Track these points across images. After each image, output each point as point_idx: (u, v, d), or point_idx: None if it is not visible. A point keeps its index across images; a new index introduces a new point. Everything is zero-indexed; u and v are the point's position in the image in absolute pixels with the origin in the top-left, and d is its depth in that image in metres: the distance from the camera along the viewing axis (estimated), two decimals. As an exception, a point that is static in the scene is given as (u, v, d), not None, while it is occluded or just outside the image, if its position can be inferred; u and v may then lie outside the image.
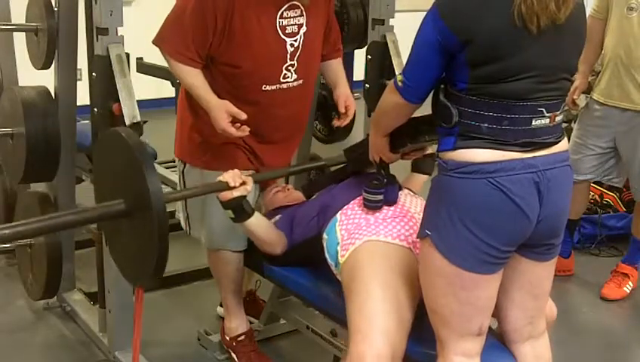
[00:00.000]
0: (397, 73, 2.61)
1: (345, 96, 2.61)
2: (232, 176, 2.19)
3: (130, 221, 2.05)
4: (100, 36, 2.36)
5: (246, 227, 2.30)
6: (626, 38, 3.12)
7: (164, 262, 2.00)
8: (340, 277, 2.13)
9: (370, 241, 2.08)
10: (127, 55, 2.40)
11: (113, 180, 2.14)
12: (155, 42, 2.41)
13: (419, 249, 2.04)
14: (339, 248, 2.14)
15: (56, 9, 2.82)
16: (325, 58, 2.67)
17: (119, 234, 2.17)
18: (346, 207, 2.23)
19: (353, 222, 2.17)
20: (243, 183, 2.20)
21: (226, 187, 2.18)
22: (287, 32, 2.41)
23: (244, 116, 2.34)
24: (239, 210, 2.23)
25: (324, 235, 2.24)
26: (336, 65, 2.72)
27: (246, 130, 2.36)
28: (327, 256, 2.21)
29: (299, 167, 2.55)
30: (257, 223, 2.31)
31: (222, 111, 2.34)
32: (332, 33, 2.67)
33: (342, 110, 2.60)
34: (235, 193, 2.19)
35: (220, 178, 2.21)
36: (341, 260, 2.11)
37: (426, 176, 2.52)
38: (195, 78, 2.38)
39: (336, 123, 2.66)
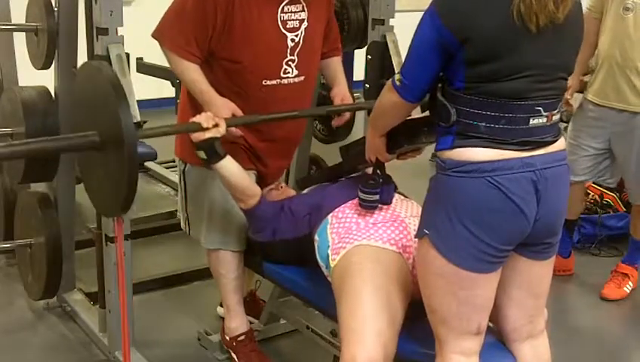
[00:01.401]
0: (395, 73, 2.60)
1: (341, 96, 2.61)
2: (205, 118, 2.22)
3: (103, 153, 2.10)
4: (99, 36, 2.36)
5: (219, 171, 2.30)
6: (621, 38, 3.09)
7: (132, 194, 2.07)
8: (330, 279, 2.14)
9: (361, 245, 2.09)
10: (127, 55, 2.40)
11: (89, 112, 2.18)
12: (154, 36, 2.41)
13: (409, 253, 2.07)
14: (329, 251, 2.15)
15: (56, 9, 2.82)
16: (325, 56, 2.67)
17: (93, 166, 2.23)
18: (337, 209, 2.24)
19: (344, 226, 2.18)
20: (216, 125, 2.22)
21: (199, 128, 2.21)
22: (288, 26, 2.42)
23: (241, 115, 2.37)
24: (211, 151, 2.24)
25: (316, 236, 2.25)
26: (336, 63, 2.72)
27: (240, 133, 2.40)
28: (318, 257, 2.23)
29: (275, 115, 2.50)
30: (229, 167, 2.30)
31: (227, 110, 2.35)
32: (332, 31, 2.67)
33: None
34: (208, 134, 2.21)
35: (194, 119, 2.23)
36: (332, 263, 2.12)
37: None
38: (195, 73, 2.39)
39: (334, 123, 2.66)
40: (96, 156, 2.15)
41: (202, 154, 2.26)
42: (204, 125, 2.20)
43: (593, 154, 3.31)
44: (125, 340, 2.37)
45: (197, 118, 2.23)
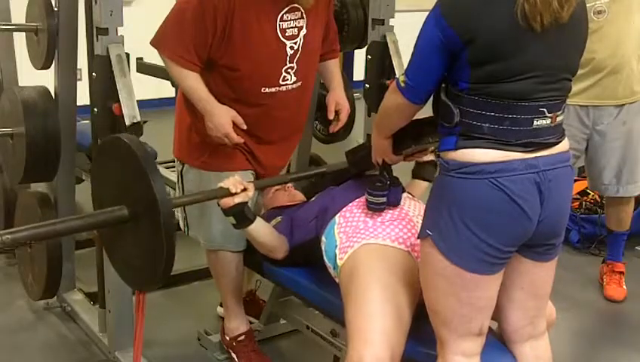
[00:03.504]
0: (397, 73, 2.60)
1: (335, 101, 2.60)
2: (233, 183, 2.18)
3: (133, 227, 2.05)
4: (99, 36, 2.36)
5: (249, 233, 2.30)
6: (605, 40, 3.05)
7: (170, 266, 2.01)
8: (338, 280, 2.13)
9: (369, 244, 2.08)
10: (127, 55, 2.40)
11: (113, 186, 2.14)
12: (153, 44, 2.40)
13: (417, 252, 2.05)
14: (337, 251, 2.14)
15: (56, 9, 2.82)
16: (322, 59, 2.66)
17: (120, 240, 2.16)
18: (344, 209, 2.23)
19: (351, 225, 2.17)
20: (244, 189, 2.19)
21: (228, 193, 2.17)
22: (287, 34, 2.41)
23: (244, 126, 2.39)
24: (241, 216, 2.21)
25: (323, 238, 2.24)
26: (332, 66, 2.72)
27: (240, 140, 2.40)
28: (325, 258, 2.22)
29: (301, 174, 2.53)
30: (259, 229, 2.30)
31: (228, 117, 2.36)
32: (330, 33, 2.66)
33: (330, 116, 2.60)
34: (237, 199, 2.17)
35: (221, 184, 2.19)
36: (339, 263, 2.11)
37: (427, 183, 2.51)
38: (194, 81, 2.38)
39: (331, 128, 2.66)
40: (125, 230, 2.09)
41: (232, 220, 2.22)
42: (233, 190, 2.16)
43: (573, 155, 3.28)
44: (139, 341, 2.34)
45: (225, 184, 2.19)
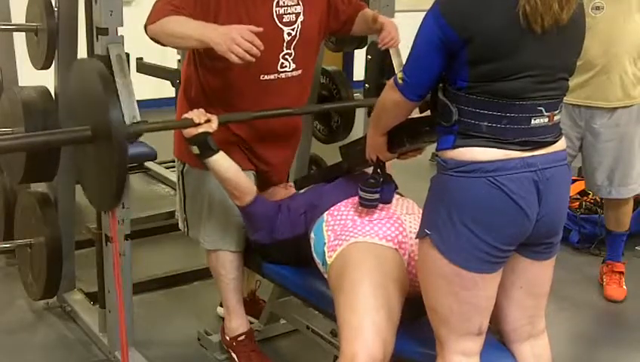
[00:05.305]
0: (397, 72, 2.61)
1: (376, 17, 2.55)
2: (197, 114, 2.26)
3: (95, 148, 2.18)
4: (99, 36, 2.36)
5: (212, 166, 2.31)
6: (600, 37, 3.02)
7: (121, 188, 2.16)
8: (327, 276, 2.16)
9: (358, 242, 2.10)
10: (127, 55, 2.40)
11: (83, 108, 2.24)
12: (145, 24, 2.31)
13: (404, 249, 2.08)
14: (325, 248, 2.17)
15: (56, 9, 2.82)
16: (354, 15, 2.62)
17: (86, 160, 2.31)
18: (333, 207, 2.25)
19: (339, 223, 2.19)
20: (208, 121, 2.25)
21: (192, 124, 2.24)
22: (284, 20, 2.42)
23: (258, 29, 2.19)
24: (204, 145, 2.27)
25: (312, 234, 2.26)
26: (365, 11, 2.65)
27: (259, 29, 2.20)
28: (314, 254, 2.24)
29: (265, 113, 2.45)
30: (223, 162, 2.32)
31: (236, 31, 2.16)
32: (340, 4, 2.60)
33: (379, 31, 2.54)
34: (200, 129, 2.24)
35: (186, 115, 2.27)
36: (328, 261, 2.14)
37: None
38: (190, 21, 2.24)
39: (380, 43, 2.57)
40: (90, 151, 2.20)
41: (195, 150, 2.28)
42: (196, 121, 2.24)
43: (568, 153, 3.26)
44: (123, 340, 2.37)
45: (189, 114, 2.26)
